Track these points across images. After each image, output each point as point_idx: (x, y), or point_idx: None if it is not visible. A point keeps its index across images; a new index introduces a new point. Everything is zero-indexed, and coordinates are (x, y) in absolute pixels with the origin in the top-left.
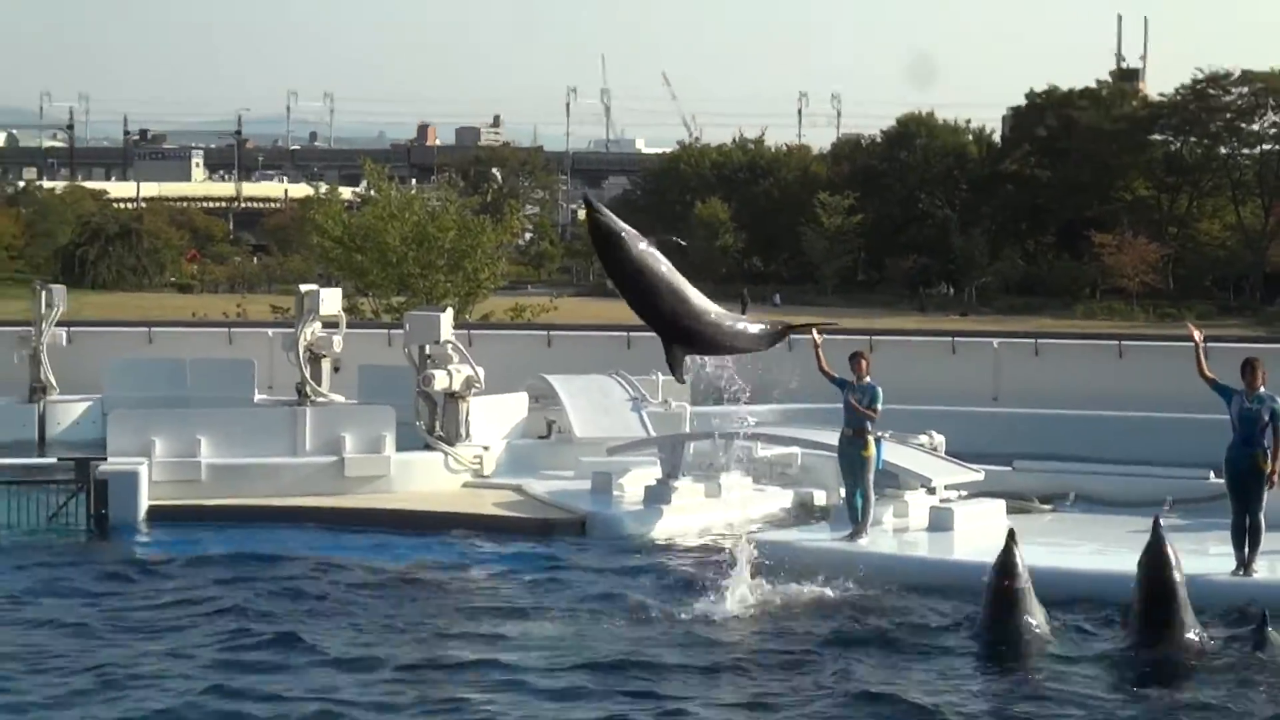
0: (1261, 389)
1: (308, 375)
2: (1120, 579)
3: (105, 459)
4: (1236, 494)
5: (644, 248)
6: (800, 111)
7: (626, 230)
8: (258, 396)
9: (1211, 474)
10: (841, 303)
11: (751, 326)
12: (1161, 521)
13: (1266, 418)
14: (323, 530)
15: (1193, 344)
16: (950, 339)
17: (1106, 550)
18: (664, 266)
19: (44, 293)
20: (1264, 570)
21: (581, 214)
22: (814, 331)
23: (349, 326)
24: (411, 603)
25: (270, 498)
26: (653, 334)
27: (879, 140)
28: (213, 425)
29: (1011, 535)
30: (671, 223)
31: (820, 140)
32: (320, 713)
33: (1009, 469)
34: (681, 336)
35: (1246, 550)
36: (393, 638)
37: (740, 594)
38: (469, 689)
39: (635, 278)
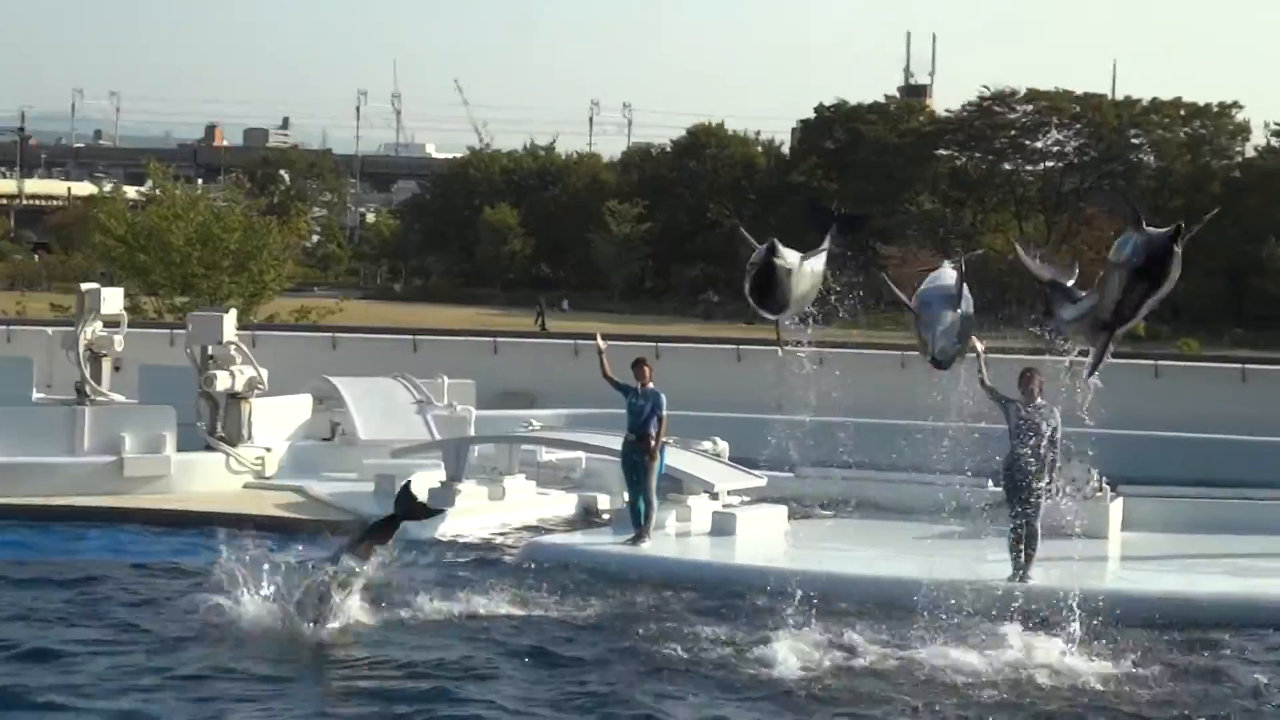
0: (1038, 399)
1: (87, 374)
2: (897, 584)
3: None
4: (1013, 502)
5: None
6: (591, 120)
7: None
8: (36, 395)
9: (990, 482)
10: (629, 310)
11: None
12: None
13: (1043, 427)
14: (101, 530)
15: (975, 353)
16: (736, 347)
17: (885, 556)
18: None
19: None
20: (1039, 577)
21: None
22: (598, 338)
23: (131, 326)
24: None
25: (48, 497)
26: (441, 337)
27: (669, 150)
28: None
29: None
30: (459, 228)
31: (611, 149)
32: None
33: (791, 475)
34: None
35: (1023, 557)
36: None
37: (521, 595)
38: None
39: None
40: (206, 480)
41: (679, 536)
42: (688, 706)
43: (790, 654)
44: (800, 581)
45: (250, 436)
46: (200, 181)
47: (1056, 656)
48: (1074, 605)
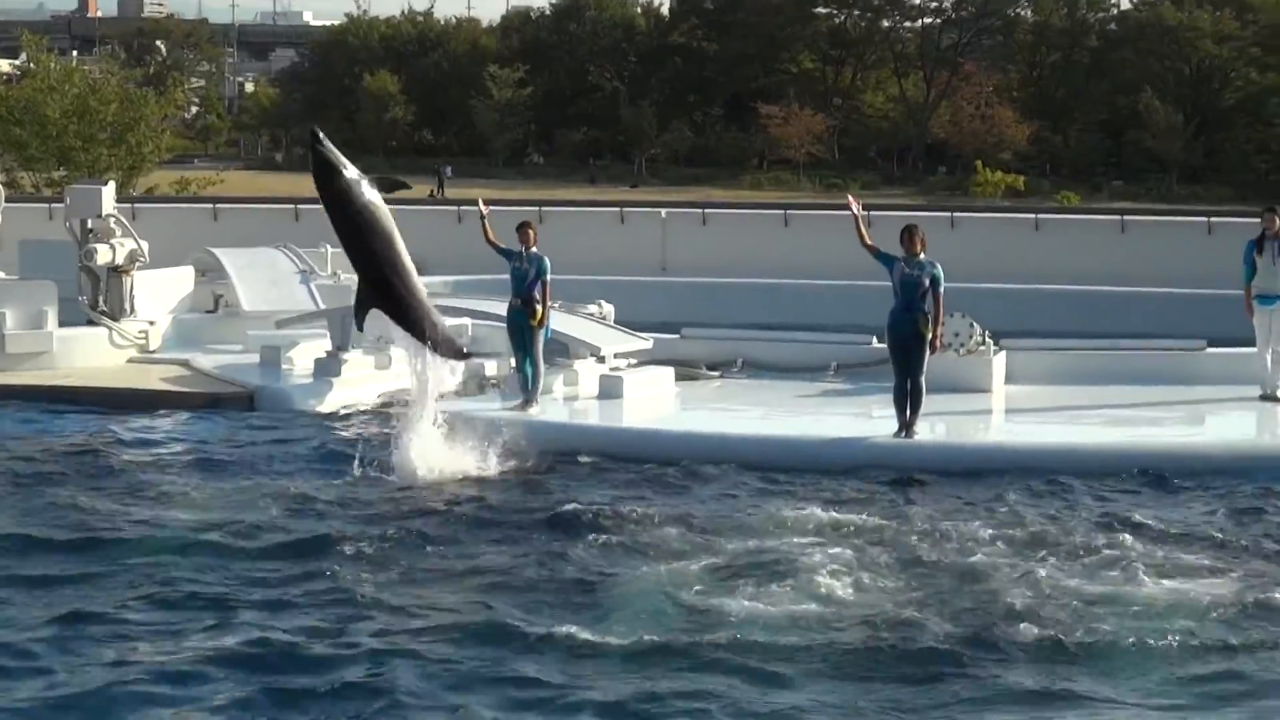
0: (921, 255)
1: None
2: (785, 443)
3: None
4: (899, 358)
5: (365, 183)
6: None
7: (349, 168)
8: None
9: (874, 339)
10: (513, 175)
11: (442, 328)
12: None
13: (927, 283)
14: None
15: (852, 214)
16: (619, 209)
17: (771, 415)
18: (384, 212)
19: None
20: (924, 432)
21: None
22: (480, 203)
23: (8, 201)
24: (71, 479)
25: None
26: (317, 206)
27: (548, 13)
28: None
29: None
30: (340, 96)
31: (490, 13)
32: None
33: (677, 337)
34: (380, 289)
35: (909, 413)
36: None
37: (416, 460)
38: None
39: (355, 217)
40: (90, 356)
41: (567, 400)
42: (579, 571)
43: (686, 514)
44: (688, 442)
45: (133, 310)
46: (75, 53)
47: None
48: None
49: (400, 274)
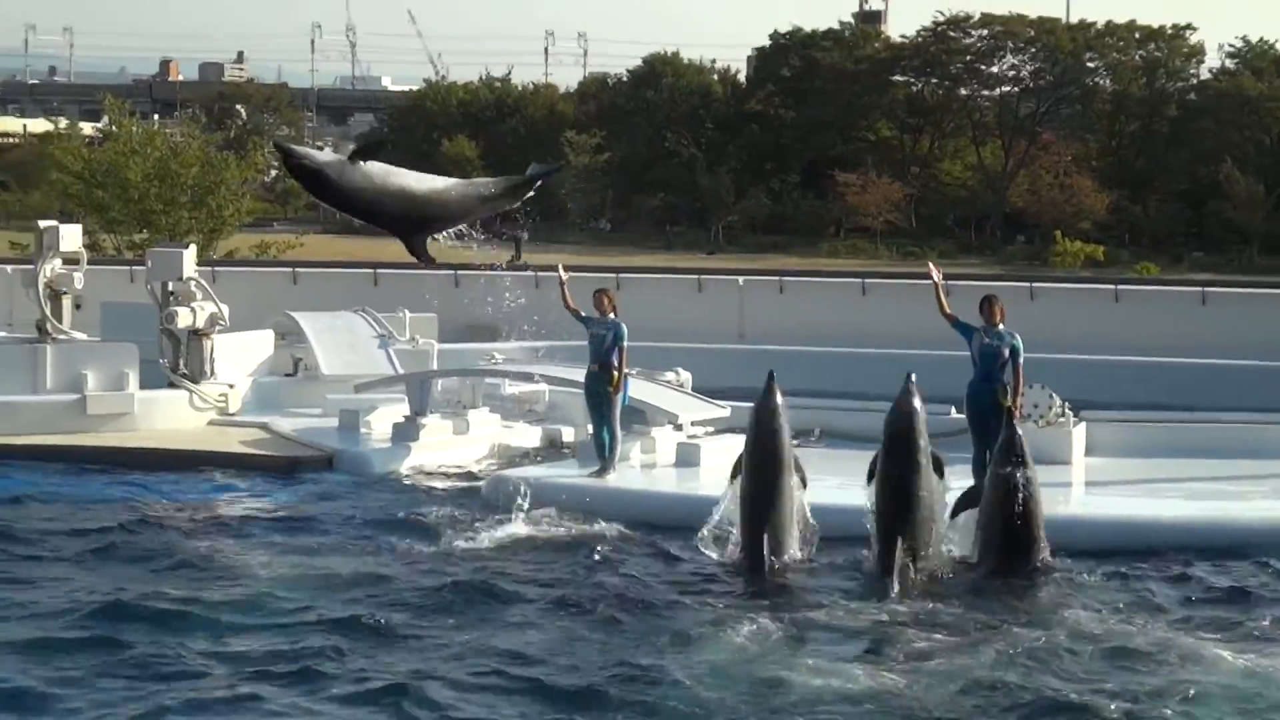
0: (1000, 325)
1: (48, 312)
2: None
3: None
4: (977, 429)
5: (348, 165)
6: (547, 50)
7: (324, 158)
8: None
9: (953, 409)
10: (590, 240)
11: (491, 184)
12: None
13: (1006, 353)
14: (65, 469)
15: (932, 283)
16: (697, 277)
17: (850, 484)
18: (376, 171)
19: None
20: None
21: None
22: (560, 268)
23: (90, 263)
24: (152, 541)
25: (10, 436)
26: (402, 270)
27: (625, 79)
28: None
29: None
30: (418, 161)
31: (567, 79)
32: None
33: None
34: (420, 224)
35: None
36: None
37: (497, 529)
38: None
39: (354, 196)
40: (170, 417)
41: (644, 468)
42: (648, 644)
43: (758, 582)
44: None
45: (213, 373)
46: (156, 117)
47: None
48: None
49: (428, 203)
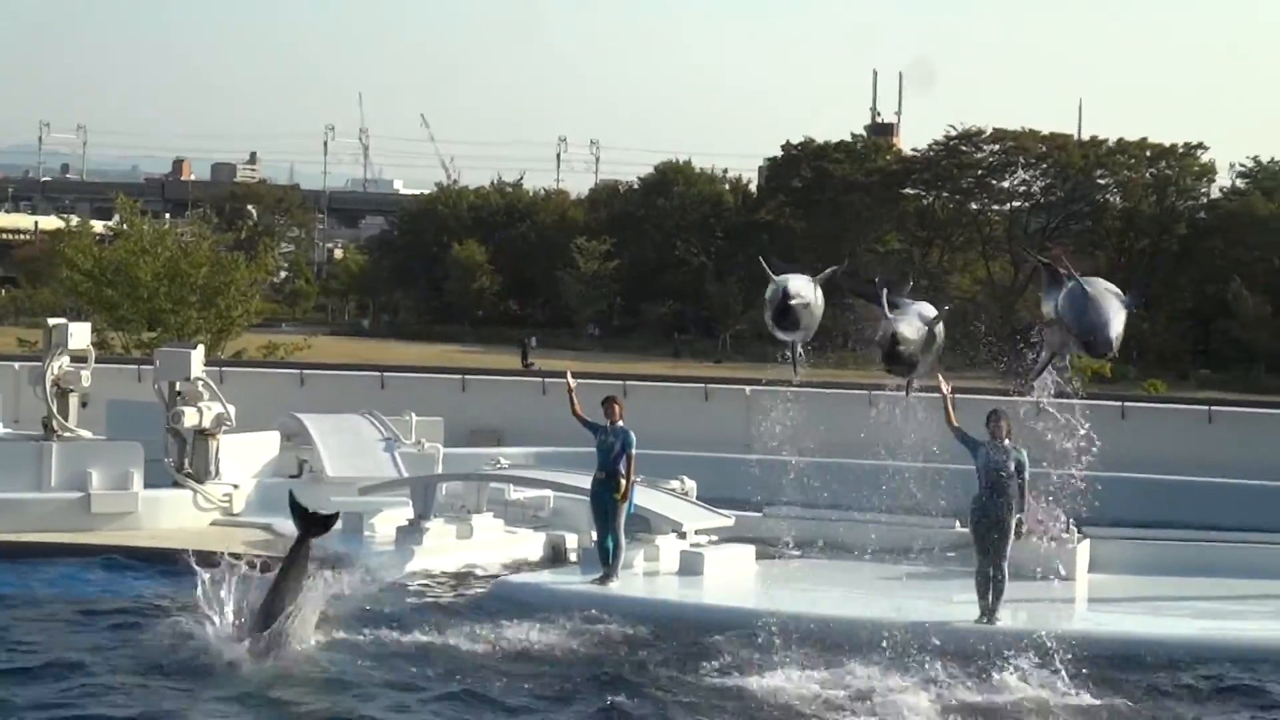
0: (1006, 440)
1: (54, 410)
2: (864, 624)
3: None
4: (981, 543)
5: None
6: (559, 156)
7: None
8: (2, 430)
9: (957, 523)
10: (597, 347)
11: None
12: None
13: (1012, 468)
14: (67, 566)
15: (941, 395)
16: (704, 385)
17: (852, 596)
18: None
19: None
20: (1006, 618)
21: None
22: (568, 376)
23: (98, 361)
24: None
25: (14, 533)
26: (409, 374)
27: (636, 187)
28: None
29: None
30: (428, 264)
31: (578, 185)
32: None
33: (759, 515)
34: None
35: (990, 598)
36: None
37: (503, 633)
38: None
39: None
40: (174, 517)
41: (647, 576)
42: None
43: (759, 692)
44: (767, 622)
45: (218, 473)
46: (168, 216)
47: (1029, 693)
48: (1045, 645)
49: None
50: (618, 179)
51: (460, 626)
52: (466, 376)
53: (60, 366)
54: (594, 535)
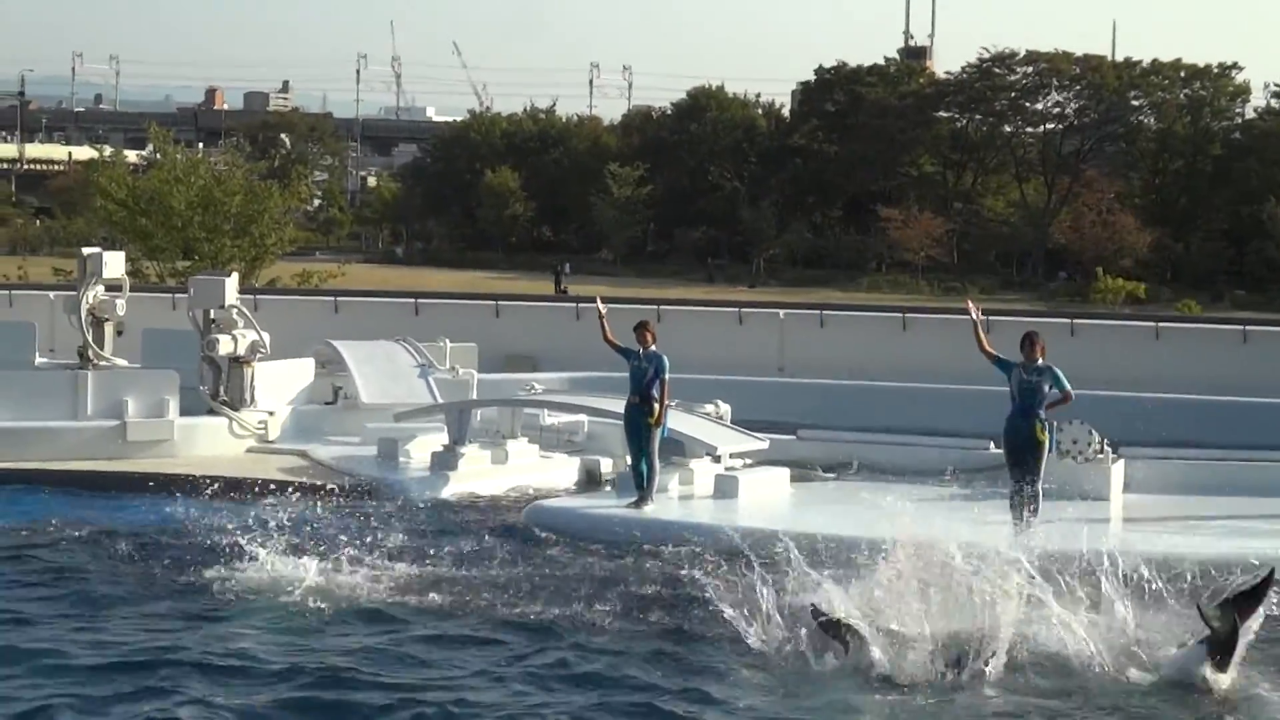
0: (1040, 360)
1: (90, 339)
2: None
3: None
4: (1015, 463)
5: None
6: (591, 83)
7: None
8: (38, 359)
9: (991, 444)
10: (631, 273)
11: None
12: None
13: (1045, 388)
14: (103, 495)
15: (971, 319)
16: (737, 310)
17: (886, 517)
18: None
19: None
20: (1040, 538)
21: None
22: (598, 301)
23: (133, 290)
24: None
25: (50, 462)
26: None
27: (669, 112)
28: None
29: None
30: (461, 191)
31: (611, 112)
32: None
33: (793, 438)
34: None
35: (1025, 518)
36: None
37: (533, 557)
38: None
39: None
40: (209, 444)
41: (681, 499)
42: (687, 673)
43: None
44: (802, 543)
45: (253, 400)
46: (201, 145)
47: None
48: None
49: None
50: (651, 105)
51: (495, 551)
52: (500, 302)
53: (95, 296)
54: (628, 460)
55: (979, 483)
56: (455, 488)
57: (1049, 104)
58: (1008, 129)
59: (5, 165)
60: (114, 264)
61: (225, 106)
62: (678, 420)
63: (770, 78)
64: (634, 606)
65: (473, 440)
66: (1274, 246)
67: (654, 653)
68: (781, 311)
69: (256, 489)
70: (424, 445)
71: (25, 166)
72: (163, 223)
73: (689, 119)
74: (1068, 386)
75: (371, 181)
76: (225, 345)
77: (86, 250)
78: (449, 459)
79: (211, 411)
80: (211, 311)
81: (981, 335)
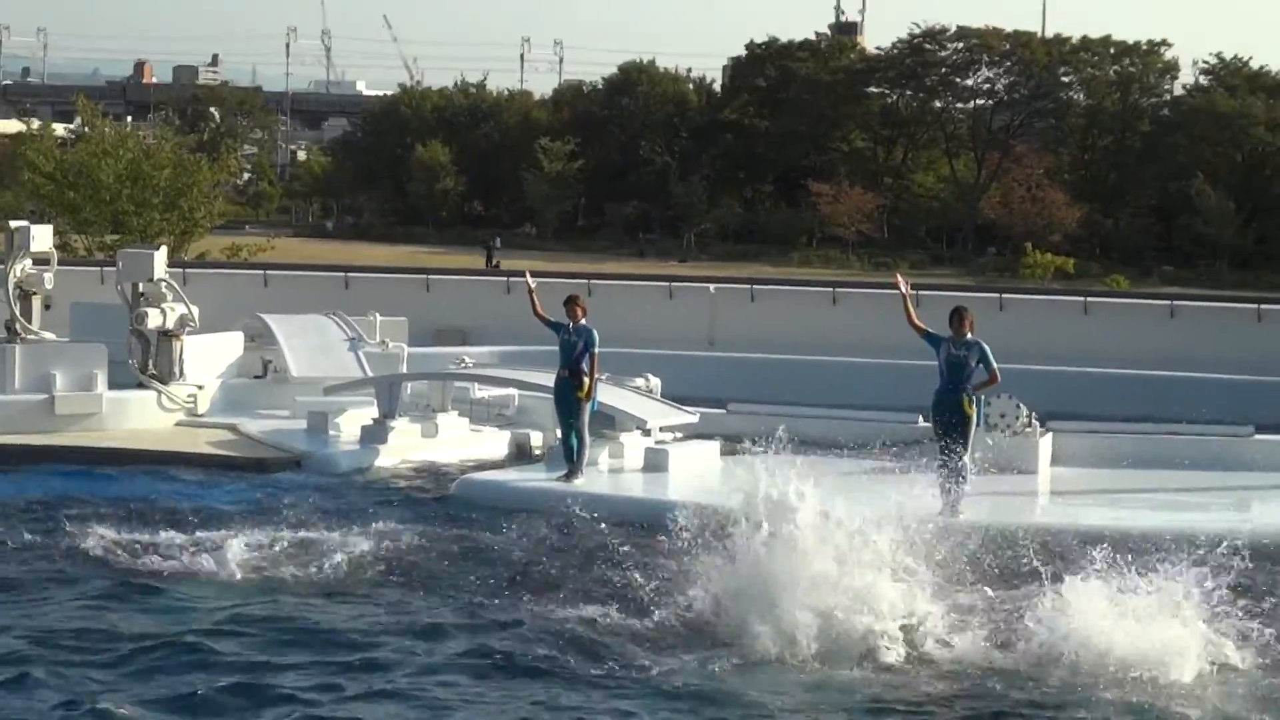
0: (969, 335)
1: (17, 312)
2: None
3: None
4: (943, 436)
5: None
6: (523, 57)
7: None
8: None
9: (920, 418)
10: (562, 248)
11: None
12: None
13: (973, 363)
14: (28, 469)
15: (900, 294)
16: (668, 284)
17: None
18: None
19: None
20: (968, 512)
21: None
22: (527, 276)
23: (61, 263)
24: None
25: None
26: (373, 274)
27: (600, 87)
28: None
29: None
30: (391, 165)
31: (543, 86)
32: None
33: (723, 411)
34: None
35: (953, 492)
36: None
37: (462, 530)
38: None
39: None
40: (138, 418)
41: (612, 473)
42: (615, 646)
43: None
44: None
45: (182, 374)
46: (130, 119)
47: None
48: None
49: None
50: (581, 79)
51: (424, 525)
52: (430, 276)
53: (23, 269)
54: (558, 433)
55: (910, 455)
56: (385, 461)
57: (979, 80)
58: (938, 105)
59: None
60: (42, 237)
61: (154, 80)
62: (608, 394)
63: (701, 53)
64: (556, 581)
65: (403, 414)
66: (1201, 222)
67: (571, 628)
68: (712, 286)
69: (182, 463)
70: (354, 419)
71: None
72: (91, 196)
73: (620, 94)
74: (995, 367)
75: (301, 155)
76: (154, 319)
77: (14, 223)
78: (379, 432)
79: (140, 385)
80: (140, 285)
81: (911, 310)
